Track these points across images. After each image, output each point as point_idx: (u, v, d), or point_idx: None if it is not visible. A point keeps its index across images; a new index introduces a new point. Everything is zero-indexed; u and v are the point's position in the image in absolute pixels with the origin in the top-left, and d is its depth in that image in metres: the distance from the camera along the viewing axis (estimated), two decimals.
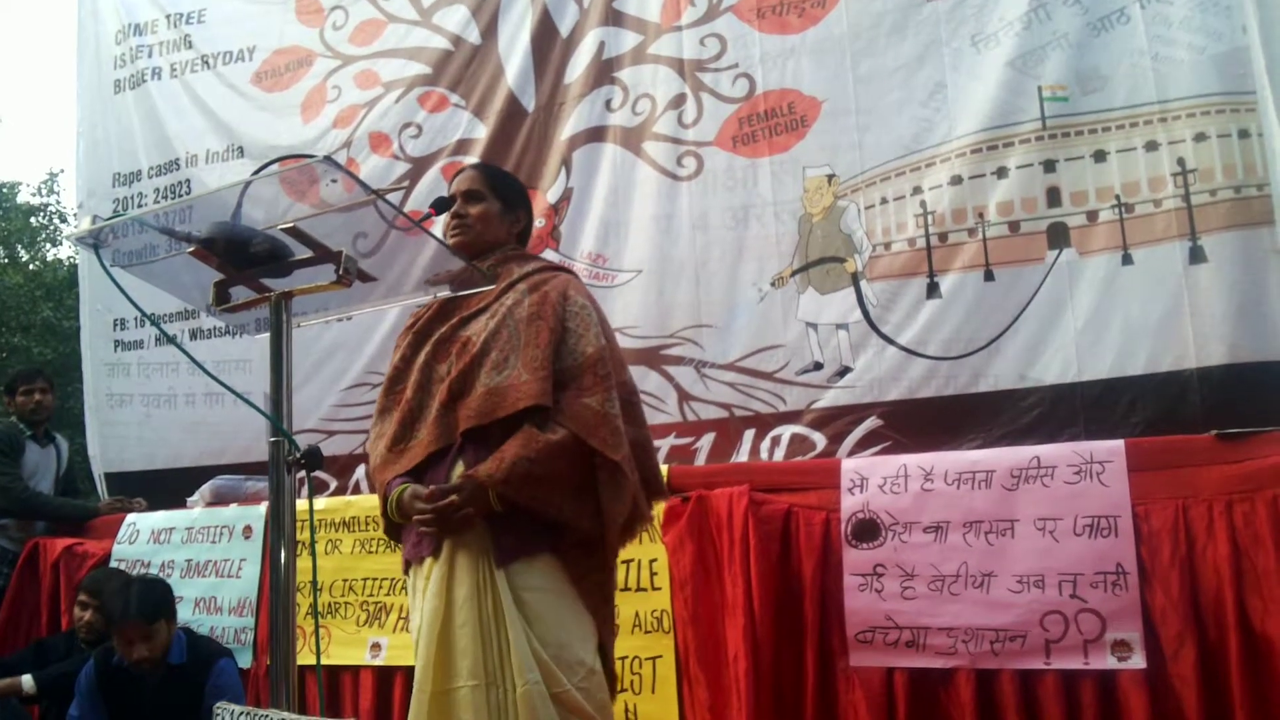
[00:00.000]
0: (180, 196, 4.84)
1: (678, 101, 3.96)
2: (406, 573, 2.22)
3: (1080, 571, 2.59)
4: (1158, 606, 2.53)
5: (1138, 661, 2.51)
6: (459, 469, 2.08)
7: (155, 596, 3.15)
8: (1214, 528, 2.53)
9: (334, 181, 1.56)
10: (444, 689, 1.99)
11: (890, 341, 3.47)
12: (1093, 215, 3.26)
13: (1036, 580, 2.64)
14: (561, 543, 2.08)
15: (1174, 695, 2.48)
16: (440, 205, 2.35)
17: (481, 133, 4.38)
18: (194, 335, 4.83)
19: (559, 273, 2.32)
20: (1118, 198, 3.23)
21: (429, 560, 2.08)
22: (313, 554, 1.93)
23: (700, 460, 3.68)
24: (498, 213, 2.32)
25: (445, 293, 2.08)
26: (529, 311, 2.14)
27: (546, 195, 4.16)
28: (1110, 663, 2.54)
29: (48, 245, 17.08)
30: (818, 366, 3.59)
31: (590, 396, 2.07)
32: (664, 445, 3.72)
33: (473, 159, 4.34)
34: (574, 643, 2.04)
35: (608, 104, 4.13)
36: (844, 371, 3.54)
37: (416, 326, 2.30)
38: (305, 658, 3.19)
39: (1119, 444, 2.69)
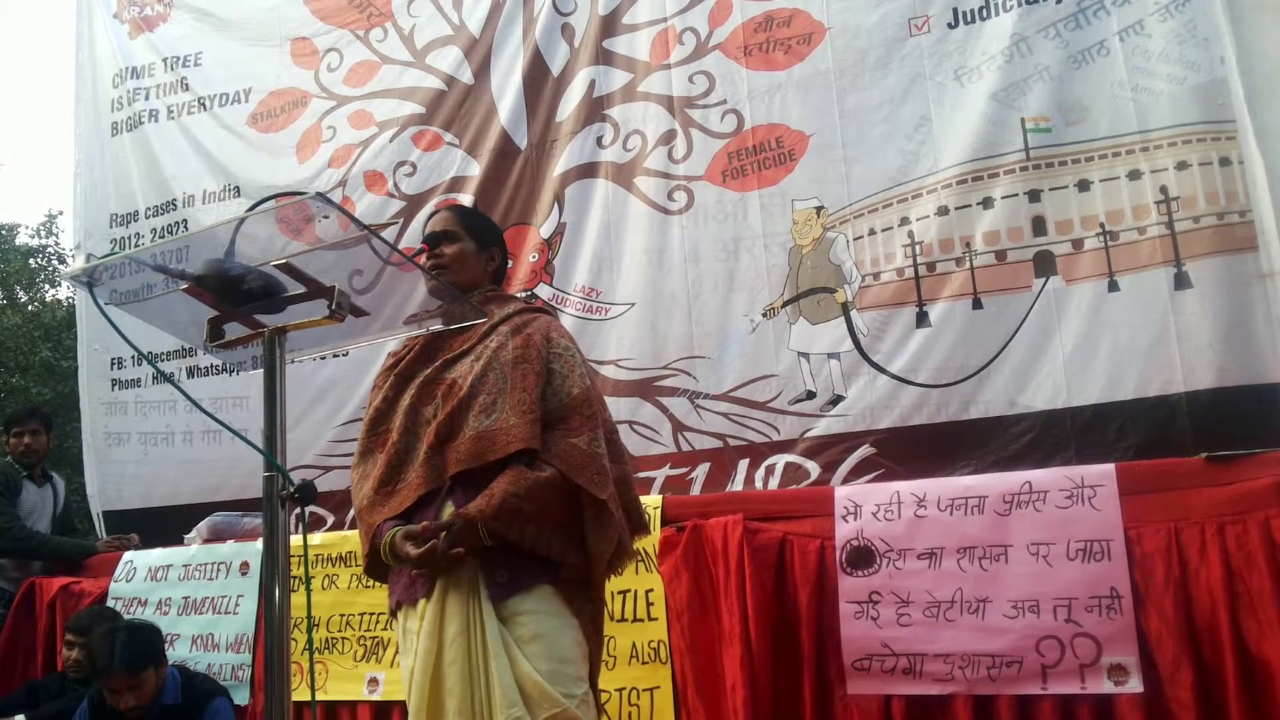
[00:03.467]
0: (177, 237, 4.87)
1: (668, 138, 4.02)
2: (395, 616, 2.20)
3: (1075, 596, 2.60)
4: (1153, 630, 2.53)
5: (1135, 685, 2.51)
6: (448, 510, 2.10)
7: (141, 644, 3.11)
8: (1206, 550, 2.54)
9: (326, 218, 1.59)
10: None
11: (881, 370, 3.50)
12: (1078, 243, 3.30)
13: (1031, 605, 2.64)
14: (558, 578, 2.09)
15: (1172, 719, 2.47)
16: (433, 241, 2.38)
17: (475, 170, 4.43)
18: (191, 373, 4.84)
19: (539, 314, 2.34)
20: (1102, 226, 3.27)
21: (422, 601, 2.09)
22: (307, 589, 1.93)
23: (695, 490, 3.69)
24: (473, 252, 2.34)
25: (437, 327, 2.11)
26: (514, 355, 2.16)
27: (540, 230, 4.21)
28: (1107, 687, 2.54)
29: (46, 286, 17.11)
30: (810, 396, 3.62)
31: (577, 437, 2.09)
32: (659, 476, 3.75)
33: (467, 196, 4.40)
34: (577, 659, 2.05)
35: (599, 141, 4.19)
36: (836, 400, 3.56)
37: (399, 368, 2.30)
38: (302, 694, 3.20)
39: (1110, 468, 2.71)
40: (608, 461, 2.11)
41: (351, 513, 4.29)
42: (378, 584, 3.42)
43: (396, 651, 3.30)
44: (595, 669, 2.17)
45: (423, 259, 2.27)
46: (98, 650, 3.14)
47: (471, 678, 1.98)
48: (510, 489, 2.03)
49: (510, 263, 2.54)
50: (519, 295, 2.51)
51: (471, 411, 2.12)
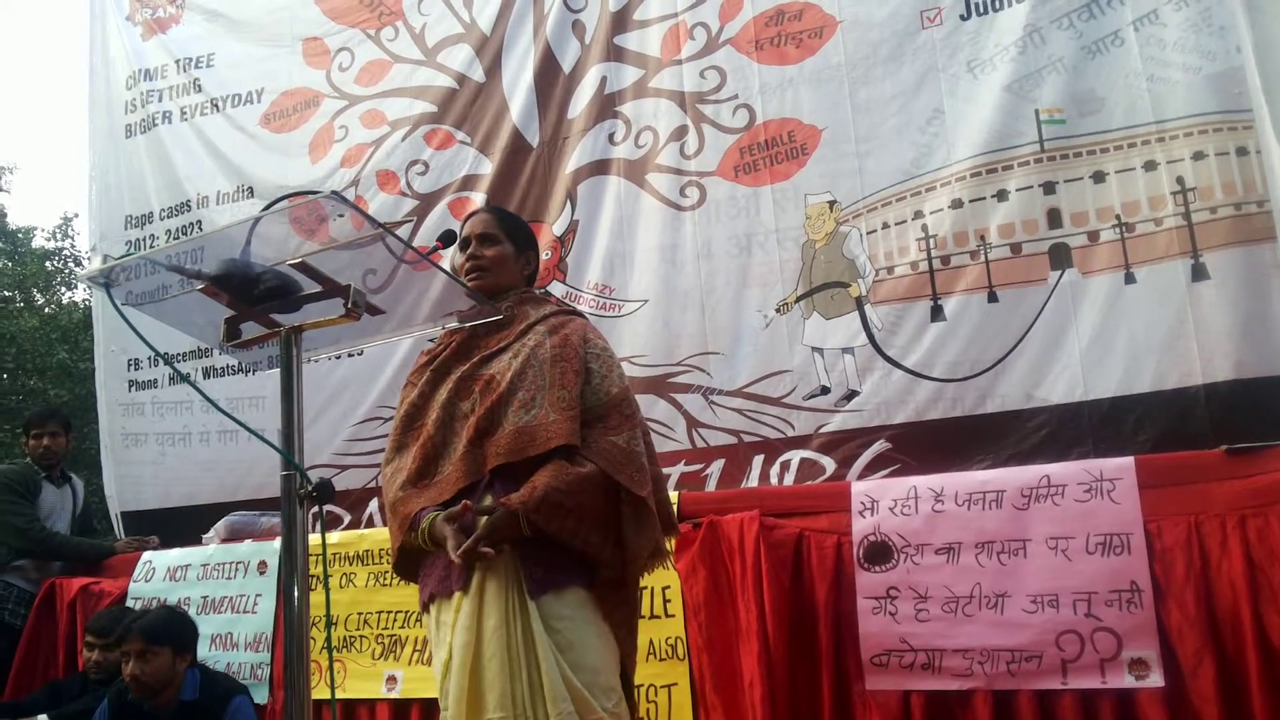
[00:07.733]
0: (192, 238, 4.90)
1: (679, 133, 4.02)
2: (427, 609, 2.20)
3: (1094, 590, 2.58)
4: (1174, 624, 2.51)
5: (1156, 680, 2.49)
6: (487, 503, 2.10)
7: (169, 623, 3.15)
8: (1227, 543, 2.52)
9: (341, 217, 1.59)
10: None
11: (896, 364, 3.49)
12: (1094, 235, 3.28)
13: (1050, 600, 2.63)
14: (593, 579, 2.10)
15: (1194, 713, 2.45)
16: (447, 239, 2.39)
17: (487, 168, 4.44)
18: (207, 373, 4.87)
19: (573, 316, 2.37)
20: (1118, 217, 3.25)
21: (458, 595, 2.09)
22: (325, 587, 1.93)
23: (710, 487, 3.69)
24: (511, 255, 2.38)
25: (454, 324, 2.11)
26: (552, 353, 2.19)
27: (552, 228, 4.22)
28: (1128, 681, 2.52)
29: (63, 289, 17.28)
30: (825, 391, 3.61)
31: (616, 435, 2.12)
32: (674, 472, 3.74)
33: (479, 194, 4.41)
34: (607, 669, 2.07)
35: (611, 137, 4.19)
36: (851, 395, 3.55)
37: (435, 364, 2.32)
38: (321, 692, 3.21)
39: (1129, 461, 2.68)
40: (645, 460, 2.13)
41: (368, 511, 4.36)
42: (396, 581, 3.48)
43: (415, 649, 3.33)
44: (630, 668, 2.19)
45: (440, 257, 2.28)
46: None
47: (511, 672, 1.99)
48: (552, 483, 2.05)
49: (543, 256, 2.58)
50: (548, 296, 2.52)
51: (511, 407, 2.14)
